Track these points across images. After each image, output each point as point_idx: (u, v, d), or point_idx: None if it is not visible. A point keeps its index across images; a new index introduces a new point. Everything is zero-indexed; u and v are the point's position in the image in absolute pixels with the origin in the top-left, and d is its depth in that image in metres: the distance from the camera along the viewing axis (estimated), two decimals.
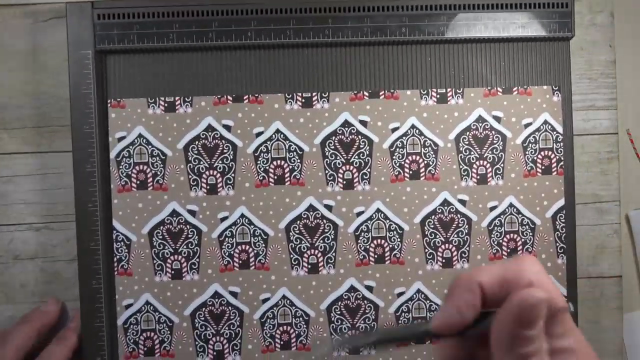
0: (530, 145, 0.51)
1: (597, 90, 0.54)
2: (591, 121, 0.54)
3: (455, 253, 0.51)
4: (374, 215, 0.51)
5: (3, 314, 0.53)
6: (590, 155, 0.54)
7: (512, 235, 0.51)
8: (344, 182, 0.51)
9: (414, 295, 0.51)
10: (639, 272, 0.56)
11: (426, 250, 0.51)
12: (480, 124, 0.51)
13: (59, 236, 0.53)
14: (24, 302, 0.53)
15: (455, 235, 0.51)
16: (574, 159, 0.52)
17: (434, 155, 0.51)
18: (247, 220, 0.51)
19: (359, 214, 0.51)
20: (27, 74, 0.53)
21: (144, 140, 0.50)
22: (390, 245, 0.51)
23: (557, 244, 0.51)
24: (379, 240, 0.51)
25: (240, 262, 0.51)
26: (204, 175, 0.50)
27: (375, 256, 0.51)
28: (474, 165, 0.51)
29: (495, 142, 0.51)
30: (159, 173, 0.50)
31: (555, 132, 0.51)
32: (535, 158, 0.51)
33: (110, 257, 0.50)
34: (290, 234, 0.51)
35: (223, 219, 0.50)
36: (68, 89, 0.50)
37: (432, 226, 0.51)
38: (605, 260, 0.54)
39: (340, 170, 0.51)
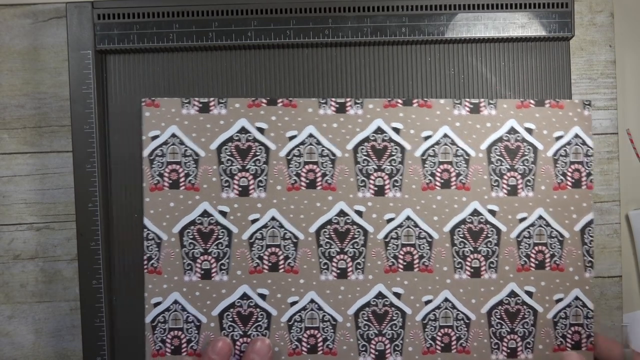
0: (560, 158, 0.51)
1: (597, 90, 0.54)
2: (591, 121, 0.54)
3: (483, 263, 0.51)
4: (404, 222, 0.51)
5: (3, 314, 0.53)
6: None
7: (540, 247, 0.51)
8: (375, 189, 0.51)
9: (442, 304, 0.51)
10: (639, 272, 0.56)
11: (454, 259, 0.51)
12: (512, 135, 0.51)
13: (59, 236, 0.53)
14: (24, 302, 0.54)
15: (484, 245, 0.51)
16: None
17: (465, 165, 0.51)
18: (277, 223, 0.51)
19: (389, 220, 0.51)
20: (27, 74, 0.53)
21: (178, 140, 0.51)
22: (419, 253, 0.51)
23: (585, 258, 0.51)
24: (408, 248, 0.51)
25: (270, 264, 0.51)
26: (236, 177, 0.51)
27: (404, 263, 0.51)
28: (505, 176, 0.51)
29: (526, 153, 0.51)
30: (191, 173, 0.51)
31: (585, 146, 0.51)
32: (565, 171, 0.51)
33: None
34: (320, 238, 0.51)
35: (254, 221, 0.51)
36: (68, 89, 0.50)
37: (462, 235, 0.51)
38: (605, 260, 0.54)
39: (372, 177, 0.51)
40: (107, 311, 0.50)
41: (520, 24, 0.50)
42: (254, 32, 0.50)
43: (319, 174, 0.51)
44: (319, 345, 0.51)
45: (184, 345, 0.50)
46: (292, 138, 0.51)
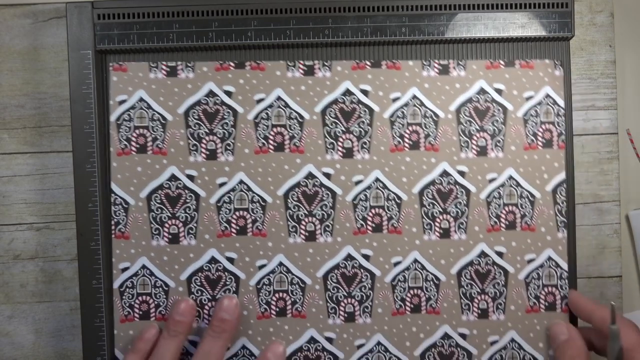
0: (531, 118, 0.51)
1: (597, 90, 0.54)
2: (591, 121, 0.54)
3: (452, 224, 0.51)
4: (372, 184, 0.51)
5: (3, 314, 0.53)
6: (590, 155, 0.54)
7: (510, 207, 0.51)
8: (344, 151, 0.51)
9: (411, 265, 0.51)
10: (639, 272, 0.55)
11: (424, 220, 0.51)
12: (482, 96, 0.51)
13: (59, 236, 0.53)
14: (24, 302, 0.53)
15: (454, 206, 0.51)
16: (574, 158, 0.52)
17: (434, 126, 0.51)
18: (245, 186, 0.51)
19: (358, 182, 0.51)
20: (27, 74, 0.53)
21: (145, 104, 0.50)
22: (388, 215, 0.51)
23: (557, 218, 0.51)
24: (376, 209, 0.51)
25: (238, 228, 0.51)
26: (203, 141, 0.51)
27: (373, 225, 0.51)
28: (474, 137, 0.51)
29: (496, 114, 0.51)
30: (158, 137, 0.50)
31: (556, 106, 0.51)
32: (536, 131, 0.51)
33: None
34: (289, 201, 0.51)
35: (221, 185, 0.50)
36: (68, 89, 0.50)
37: (431, 196, 0.51)
38: (605, 260, 0.53)
39: (340, 139, 0.51)
40: (107, 311, 0.50)
41: (520, 24, 0.50)
42: (254, 32, 0.49)
43: (287, 137, 0.51)
44: (288, 308, 0.51)
45: (153, 310, 0.50)
46: (260, 101, 0.51)
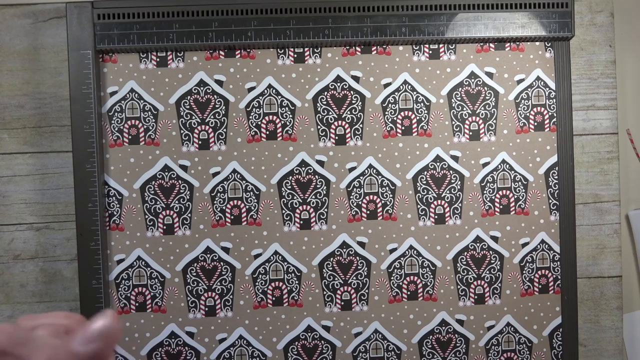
0: (522, 101, 0.51)
1: (597, 90, 0.53)
2: (591, 121, 0.53)
3: (447, 209, 0.51)
4: (366, 171, 0.51)
5: (3, 314, 0.53)
6: (590, 155, 0.53)
7: (504, 191, 0.51)
8: (336, 138, 0.51)
9: (407, 252, 0.51)
10: (639, 272, 0.55)
11: (418, 206, 0.51)
12: (473, 80, 0.51)
13: (59, 236, 0.53)
14: (24, 302, 0.53)
15: (448, 191, 0.51)
16: (574, 159, 0.52)
17: (426, 111, 0.51)
18: (239, 175, 0.50)
19: (351, 169, 0.51)
20: (27, 74, 0.52)
21: (136, 95, 0.50)
22: (383, 201, 0.51)
23: (550, 201, 0.51)
24: (371, 196, 0.51)
25: (232, 217, 0.50)
26: (195, 130, 0.50)
27: (368, 212, 0.51)
28: (467, 122, 0.51)
29: (487, 98, 0.51)
30: (150, 128, 0.50)
31: (547, 89, 0.51)
32: (527, 114, 0.51)
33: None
34: (282, 189, 0.50)
35: (215, 174, 0.50)
36: (68, 89, 0.50)
37: (424, 182, 0.51)
38: (605, 260, 0.53)
39: (333, 126, 0.51)
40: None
41: (520, 24, 0.50)
42: (254, 32, 0.49)
43: (279, 125, 0.51)
44: (285, 297, 0.50)
45: (149, 302, 0.50)
46: (251, 89, 0.51)
